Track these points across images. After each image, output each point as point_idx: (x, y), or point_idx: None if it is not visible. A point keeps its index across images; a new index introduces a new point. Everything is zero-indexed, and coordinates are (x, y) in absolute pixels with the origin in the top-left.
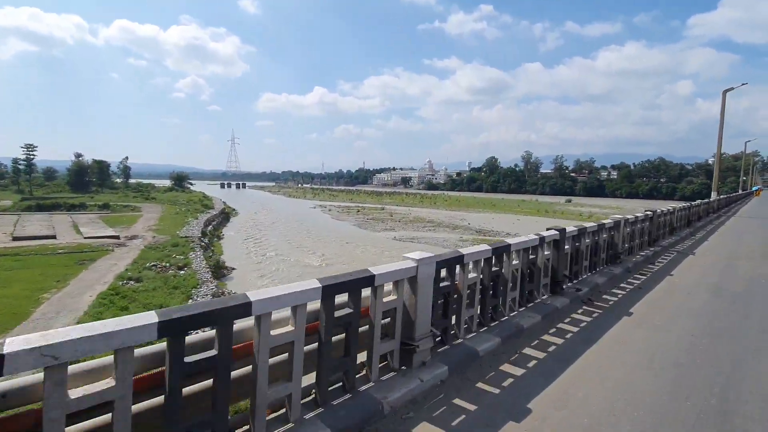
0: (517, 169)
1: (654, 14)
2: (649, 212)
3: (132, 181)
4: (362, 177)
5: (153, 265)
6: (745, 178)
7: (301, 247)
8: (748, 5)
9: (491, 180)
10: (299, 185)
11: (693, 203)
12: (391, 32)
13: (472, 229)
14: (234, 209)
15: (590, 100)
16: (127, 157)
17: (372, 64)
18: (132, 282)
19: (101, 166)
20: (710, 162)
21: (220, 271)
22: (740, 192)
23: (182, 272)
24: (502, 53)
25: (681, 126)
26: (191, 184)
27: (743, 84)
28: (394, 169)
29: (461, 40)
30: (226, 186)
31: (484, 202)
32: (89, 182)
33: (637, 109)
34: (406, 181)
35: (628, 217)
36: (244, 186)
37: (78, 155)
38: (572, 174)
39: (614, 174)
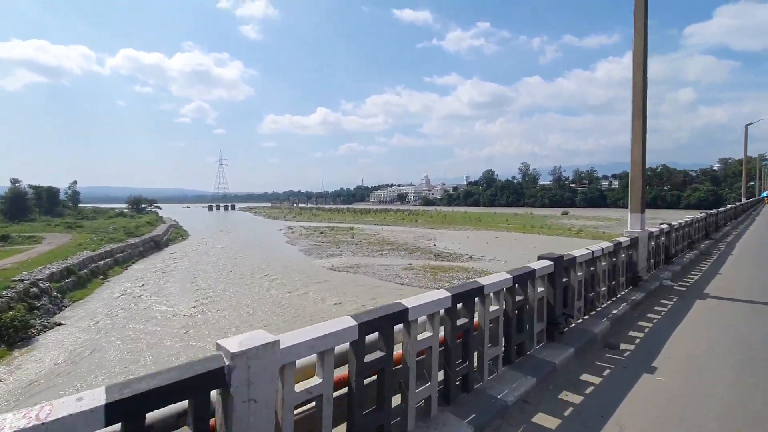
0: (515, 181)
1: (651, 25)
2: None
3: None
4: (359, 194)
5: None
6: (752, 183)
7: (197, 292)
8: (744, 14)
9: (488, 194)
10: (294, 205)
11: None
12: (390, 52)
13: (432, 252)
14: (181, 235)
15: (592, 110)
16: (75, 182)
17: (373, 83)
18: None
19: (50, 192)
20: (715, 168)
21: None
22: (743, 200)
23: None
24: (502, 68)
25: (684, 133)
26: (159, 207)
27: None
28: (391, 185)
29: (460, 56)
30: (214, 208)
31: (472, 217)
32: (28, 209)
33: None
34: (402, 198)
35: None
36: (233, 208)
37: (15, 181)
38: (572, 185)
39: (615, 183)
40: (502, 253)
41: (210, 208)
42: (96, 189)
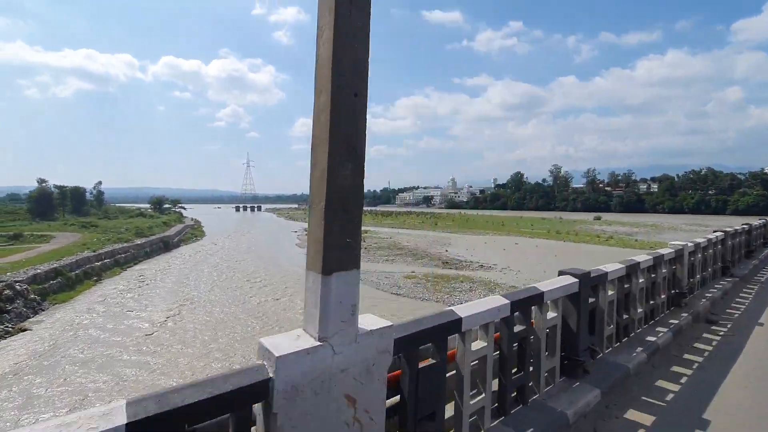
0: (545, 184)
1: (696, 20)
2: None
3: (117, 205)
4: (385, 197)
5: None
6: None
7: (180, 297)
8: None
9: (516, 197)
10: None
11: None
12: (419, 53)
13: (442, 258)
14: (196, 235)
15: (630, 111)
16: (100, 182)
17: (402, 85)
18: None
19: (76, 192)
20: (767, 171)
21: None
22: None
23: None
24: (535, 68)
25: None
26: (183, 208)
27: None
28: (416, 188)
29: (490, 57)
30: (241, 209)
31: (496, 221)
32: (53, 208)
33: (683, 118)
34: (428, 200)
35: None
36: (259, 209)
37: (41, 181)
38: (607, 188)
39: (655, 187)
40: (517, 261)
41: (237, 209)
42: (136, 190)
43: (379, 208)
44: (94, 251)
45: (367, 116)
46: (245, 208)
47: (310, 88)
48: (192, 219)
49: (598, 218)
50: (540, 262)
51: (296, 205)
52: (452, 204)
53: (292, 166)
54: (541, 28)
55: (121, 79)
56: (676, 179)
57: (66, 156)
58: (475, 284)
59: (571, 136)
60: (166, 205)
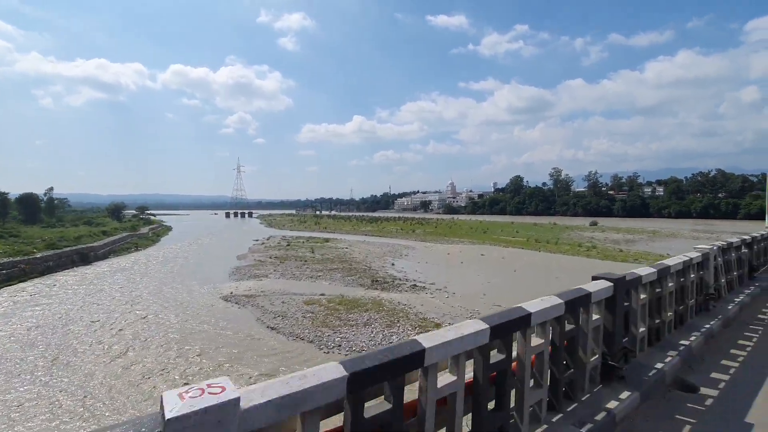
0: (545, 188)
1: (708, 19)
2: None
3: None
4: (385, 202)
5: None
6: None
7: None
8: None
9: (515, 201)
10: (316, 212)
11: None
12: (424, 58)
13: (376, 276)
14: (136, 245)
15: (641, 113)
16: (51, 188)
17: (408, 90)
18: None
19: (29, 199)
20: None
21: None
22: None
23: None
24: (541, 71)
25: (748, 135)
26: (152, 215)
27: None
28: (416, 192)
29: (496, 60)
30: (232, 215)
31: (480, 227)
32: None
33: (696, 119)
34: (426, 205)
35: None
36: (250, 215)
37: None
38: (610, 192)
39: (660, 190)
40: (463, 279)
41: (227, 215)
42: (146, 196)
43: (377, 214)
44: None
45: (373, 121)
46: (236, 215)
47: (317, 93)
48: (162, 226)
49: (594, 224)
50: (489, 280)
51: (294, 211)
52: (450, 209)
53: (302, 171)
54: (548, 30)
55: (131, 87)
56: (684, 182)
57: (78, 164)
58: (380, 314)
59: (580, 139)
60: (132, 212)
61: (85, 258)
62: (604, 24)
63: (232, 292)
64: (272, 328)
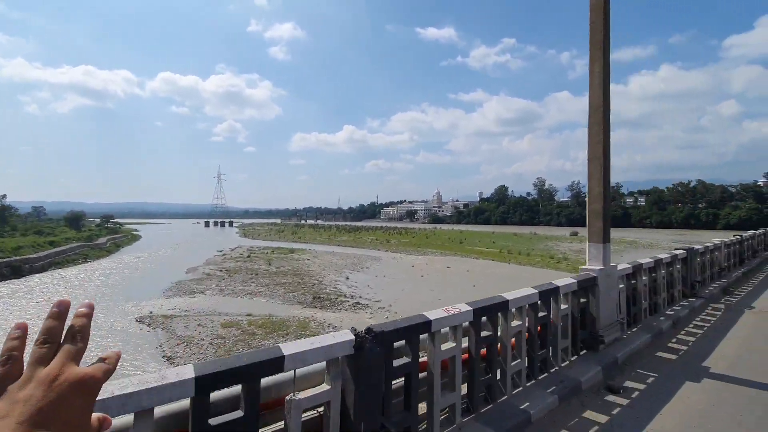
0: (530, 198)
1: (690, 35)
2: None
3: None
4: (371, 211)
5: None
6: None
7: None
8: None
9: (500, 211)
10: (302, 221)
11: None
12: (414, 69)
13: (321, 293)
14: (86, 256)
15: (626, 125)
16: (5, 195)
17: (398, 100)
18: None
19: None
20: (760, 183)
21: None
22: None
23: None
24: (529, 83)
25: (729, 148)
26: (119, 224)
27: None
28: (402, 202)
29: (485, 73)
30: (211, 224)
31: (457, 238)
32: None
33: (679, 132)
34: (411, 215)
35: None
36: (230, 224)
37: None
38: None
39: (642, 200)
40: (414, 296)
41: (207, 224)
42: (132, 204)
43: (362, 223)
44: None
45: (364, 131)
46: (216, 224)
47: (308, 103)
48: (128, 236)
49: (575, 234)
50: (440, 297)
51: (279, 221)
52: (435, 219)
53: (293, 180)
54: (535, 44)
55: (119, 94)
56: (665, 192)
57: (63, 172)
58: (287, 337)
59: (567, 150)
60: (94, 220)
61: (17, 271)
62: (588, 39)
63: (151, 312)
64: (167, 358)
